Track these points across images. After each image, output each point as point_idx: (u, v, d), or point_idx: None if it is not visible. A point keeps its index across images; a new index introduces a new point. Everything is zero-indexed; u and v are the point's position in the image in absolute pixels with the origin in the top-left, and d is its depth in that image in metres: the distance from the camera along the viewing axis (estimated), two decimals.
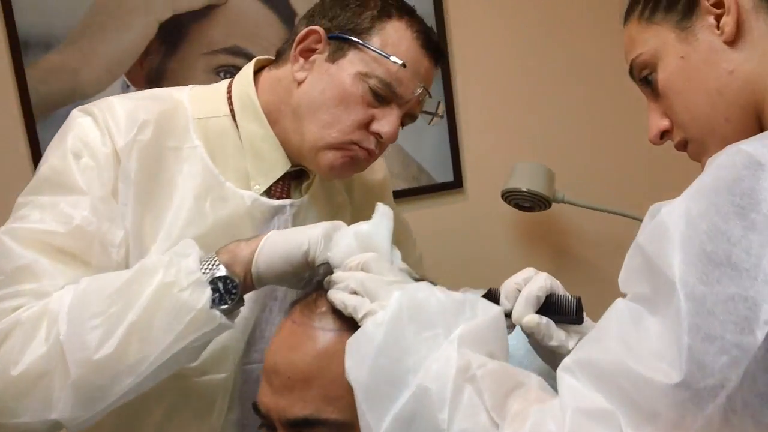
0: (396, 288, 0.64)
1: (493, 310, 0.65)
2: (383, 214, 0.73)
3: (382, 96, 0.92)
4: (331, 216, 1.04)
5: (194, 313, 0.73)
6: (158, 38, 1.56)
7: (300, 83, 0.93)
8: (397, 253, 0.73)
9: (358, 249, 0.71)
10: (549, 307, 0.73)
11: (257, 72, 0.99)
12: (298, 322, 0.70)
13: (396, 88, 0.92)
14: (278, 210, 0.95)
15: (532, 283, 0.73)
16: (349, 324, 0.66)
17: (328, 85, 0.91)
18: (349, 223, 1.10)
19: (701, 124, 0.71)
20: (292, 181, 1.00)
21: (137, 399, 0.90)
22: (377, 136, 0.93)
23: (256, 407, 0.70)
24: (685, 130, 0.73)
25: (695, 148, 0.73)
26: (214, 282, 0.75)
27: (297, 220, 0.97)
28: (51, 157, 0.87)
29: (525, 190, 1.62)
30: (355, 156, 0.94)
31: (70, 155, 0.85)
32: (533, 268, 0.76)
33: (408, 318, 0.61)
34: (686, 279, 0.50)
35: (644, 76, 0.75)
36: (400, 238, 1.19)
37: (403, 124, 0.98)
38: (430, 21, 1.40)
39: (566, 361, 0.56)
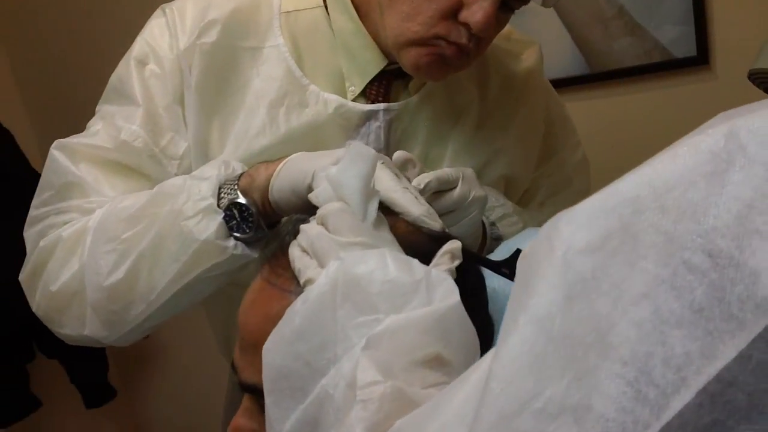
0: (351, 253, 0.50)
1: (452, 300, 0.48)
2: (357, 155, 0.56)
3: None
4: (453, 119, 0.89)
5: (198, 245, 0.68)
6: None
7: None
8: (375, 204, 0.56)
9: (334, 195, 0.56)
10: None
11: None
12: (263, 276, 0.59)
13: None
14: (369, 115, 0.83)
15: None
16: None
17: None
18: (473, 128, 0.93)
19: None
20: (395, 80, 0.85)
21: (233, 303, 0.90)
22: (467, 27, 0.75)
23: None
24: None
25: None
26: (230, 208, 0.68)
27: (397, 126, 0.85)
28: (121, 62, 0.83)
29: None
30: (443, 53, 0.78)
31: (132, 63, 0.81)
32: None
33: (342, 297, 0.47)
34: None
35: None
36: (556, 143, 1.04)
37: (512, 8, 0.79)
38: None
39: None
